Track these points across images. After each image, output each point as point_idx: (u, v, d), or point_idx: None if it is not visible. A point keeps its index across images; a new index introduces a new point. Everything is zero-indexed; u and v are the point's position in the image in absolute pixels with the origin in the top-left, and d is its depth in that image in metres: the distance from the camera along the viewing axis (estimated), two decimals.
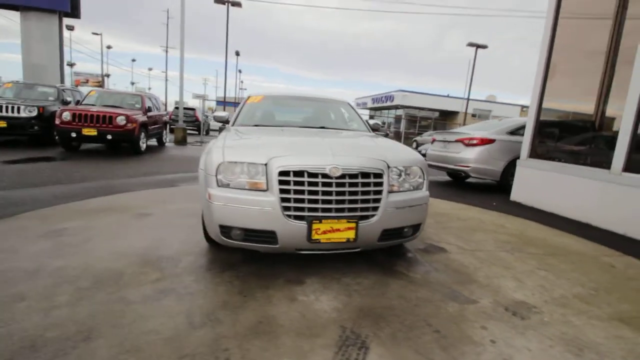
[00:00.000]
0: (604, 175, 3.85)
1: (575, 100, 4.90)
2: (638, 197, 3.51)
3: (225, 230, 2.01)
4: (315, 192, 1.95)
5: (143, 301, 1.78)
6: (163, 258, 2.31)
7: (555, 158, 4.69)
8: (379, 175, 2.07)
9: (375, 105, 35.01)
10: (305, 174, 1.95)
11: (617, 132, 3.87)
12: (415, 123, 27.65)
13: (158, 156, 8.14)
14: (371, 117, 30.90)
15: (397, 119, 29.84)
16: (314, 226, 1.92)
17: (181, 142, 12.01)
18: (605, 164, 3.90)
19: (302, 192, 1.94)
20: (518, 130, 5.80)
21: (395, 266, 2.42)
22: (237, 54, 26.90)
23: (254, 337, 1.55)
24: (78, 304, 1.71)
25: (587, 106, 4.73)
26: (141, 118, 7.78)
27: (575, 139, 4.80)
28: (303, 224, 1.93)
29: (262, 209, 1.94)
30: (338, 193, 1.97)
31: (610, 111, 4.48)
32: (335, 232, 1.96)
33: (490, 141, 5.61)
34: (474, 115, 30.22)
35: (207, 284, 2.01)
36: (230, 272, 2.17)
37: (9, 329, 1.49)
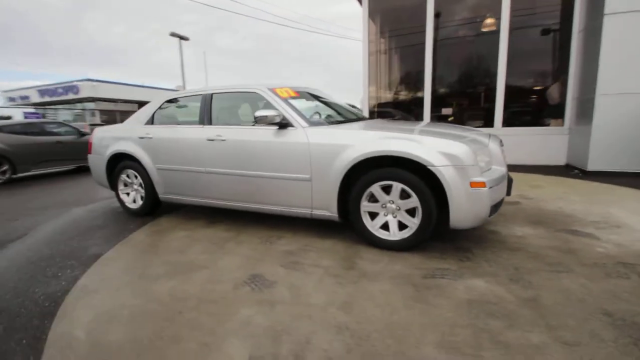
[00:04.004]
0: None
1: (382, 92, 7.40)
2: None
3: (492, 209, 2.25)
4: None
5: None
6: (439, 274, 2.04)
7: None
8: None
9: (48, 99, 26.67)
10: None
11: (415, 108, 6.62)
12: (114, 116, 24.07)
13: None
14: (43, 115, 23.19)
15: (92, 113, 24.50)
16: None
17: None
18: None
19: None
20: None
21: None
22: None
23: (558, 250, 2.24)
24: None
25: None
26: None
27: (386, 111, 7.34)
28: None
29: (503, 181, 2.37)
30: None
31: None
32: None
33: None
34: None
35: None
36: (447, 255, 2.39)
37: None
